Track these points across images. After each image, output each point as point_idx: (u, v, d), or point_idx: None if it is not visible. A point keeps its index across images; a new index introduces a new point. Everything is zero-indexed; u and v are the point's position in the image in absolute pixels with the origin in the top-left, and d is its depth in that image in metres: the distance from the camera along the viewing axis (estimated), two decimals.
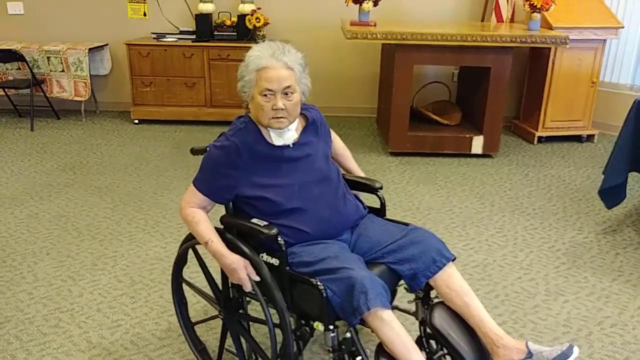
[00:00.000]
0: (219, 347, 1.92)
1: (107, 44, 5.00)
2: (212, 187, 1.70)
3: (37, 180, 3.67)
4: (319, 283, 1.54)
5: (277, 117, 1.66)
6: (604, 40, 4.48)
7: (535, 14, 4.10)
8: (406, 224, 1.82)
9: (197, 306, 2.32)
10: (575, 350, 1.55)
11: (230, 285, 1.79)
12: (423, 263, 1.66)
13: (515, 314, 2.33)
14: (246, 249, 1.65)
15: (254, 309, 2.17)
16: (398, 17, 5.01)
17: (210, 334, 2.16)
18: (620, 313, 2.35)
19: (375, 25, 4.05)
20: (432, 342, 1.77)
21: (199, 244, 1.75)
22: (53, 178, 3.72)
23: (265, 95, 1.64)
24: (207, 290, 1.95)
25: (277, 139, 1.71)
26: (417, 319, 1.85)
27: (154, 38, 4.77)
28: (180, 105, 4.82)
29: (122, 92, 5.19)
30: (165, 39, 4.73)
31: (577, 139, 4.77)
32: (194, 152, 1.95)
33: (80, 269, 2.60)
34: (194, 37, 4.76)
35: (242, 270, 1.63)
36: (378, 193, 1.96)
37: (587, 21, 4.40)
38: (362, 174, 2.06)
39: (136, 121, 4.91)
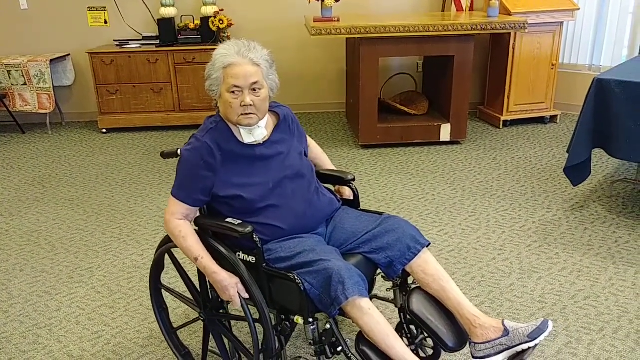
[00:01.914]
0: (203, 349, 1.92)
1: (69, 54, 4.91)
2: (190, 192, 1.69)
3: (5, 197, 3.59)
4: (296, 277, 1.56)
5: (246, 114, 1.67)
6: (561, 23, 4.60)
7: (493, 1, 4.19)
8: (380, 214, 1.85)
9: (178, 311, 2.31)
10: (550, 324, 1.61)
11: (209, 287, 1.79)
12: (398, 251, 1.70)
13: (492, 294, 2.39)
14: (222, 249, 1.66)
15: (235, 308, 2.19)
16: (360, 11, 5.05)
17: (193, 337, 2.16)
18: (592, 286, 2.43)
19: (338, 20, 4.08)
20: (413, 327, 1.82)
21: (175, 247, 1.75)
22: (22, 193, 3.64)
23: (233, 92, 1.65)
24: (187, 294, 1.95)
25: (247, 137, 1.72)
26: (396, 306, 1.89)
27: (117, 45, 4.70)
28: (148, 111, 4.77)
29: (88, 101, 5.11)
30: (128, 46, 4.67)
31: (541, 120, 4.90)
32: (164, 155, 1.93)
33: (56, 283, 2.56)
34: (157, 42, 4.71)
35: (234, 288, 1.64)
36: (351, 185, 1.99)
37: (544, 5, 4.51)
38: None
39: (104, 130, 4.84)
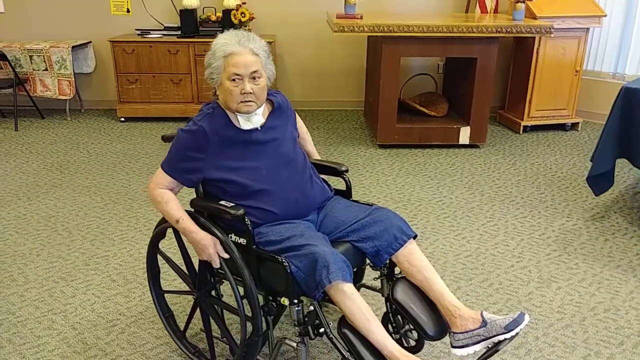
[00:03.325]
0: (186, 321, 2.00)
1: (90, 42, 4.93)
2: (178, 170, 1.76)
3: (23, 181, 3.61)
4: (283, 260, 1.61)
5: (246, 101, 1.72)
6: (587, 29, 4.53)
7: (519, 4, 4.13)
8: (370, 205, 1.90)
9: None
10: (526, 317, 1.64)
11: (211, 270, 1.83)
12: (385, 240, 1.75)
13: (509, 301, 2.36)
14: (215, 230, 1.72)
15: (226, 290, 2.20)
16: (383, 9, 5.01)
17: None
18: (612, 298, 2.39)
19: (361, 17, 4.04)
20: (399, 317, 1.86)
21: (170, 226, 1.81)
22: (40, 178, 3.66)
23: (234, 80, 1.70)
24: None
25: (244, 123, 1.77)
26: (383, 295, 1.94)
27: (138, 34, 4.72)
28: (167, 102, 4.77)
29: (107, 89, 5.13)
30: (149, 35, 4.68)
31: (562, 127, 4.83)
32: (165, 139, 1.99)
33: (72, 269, 2.57)
34: (179, 33, 4.71)
35: (212, 247, 1.70)
36: (344, 176, 2.04)
37: (570, 10, 4.44)
38: (318, 157, 2.13)
39: (122, 119, 4.86)
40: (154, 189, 1.77)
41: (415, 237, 1.79)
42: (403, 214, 3.20)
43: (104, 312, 2.26)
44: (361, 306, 1.59)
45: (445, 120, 4.46)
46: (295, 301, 1.64)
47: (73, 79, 4.72)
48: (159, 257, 2.01)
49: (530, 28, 3.97)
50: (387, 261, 1.80)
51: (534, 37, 4.41)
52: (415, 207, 3.30)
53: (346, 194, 2.03)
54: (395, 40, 3.95)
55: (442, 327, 1.71)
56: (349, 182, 2.04)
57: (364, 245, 1.76)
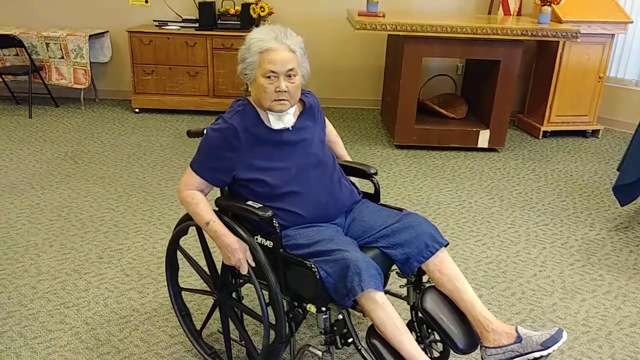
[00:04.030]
0: (204, 321, 1.94)
1: (107, 31, 4.88)
2: (209, 170, 1.70)
3: (37, 169, 3.58)
4: (312, 265, 1.55)
5: (280, 100, 1.66)
6: (613, 35, 4.43)
7: (545, 7, 4.04)
8: (400, 209, 1.83)
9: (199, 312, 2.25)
10: (564, 334, 1.57)
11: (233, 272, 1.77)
12: (416, 248, 1.68)
13: (533, 312, 2.29)
14: (241, 231, 1.66)
15: (247, 292, 2.14)
16: (404, 8, 4.93)
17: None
18: (638, 312, 2.31)
19: (384, 16, 3.97)
20: (424, 326, 1.79)
21: (194, 224, 1.76)
22: (54, 167, 3.62)
23: (269, 77, 1.63)
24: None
25: (275, 123, 1.71)
26: (408, 303, 1.87)
27: (156, 26, 4.67)
28: (182, 94, 4.72)
29: (123, 80, 5.09)
30: (167, 27, 4.63)
31: (582, 134, 4.74)
32: (191, 134, 1.93)
33: (85, 262, 2.52)
34: (197, 25, 4.66)
35: (241, 252, 1.63)
36: (372, 179, 1.97)
37: (596, 15, 4.34)
38: (349, 159, 2.06)
39: (137, 110, 4.81)
40: (184, 190, 1.71)
41: (447, 245, 1.72)
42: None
43: (117, 307, 2.21)
44: (392, 316, 1.53)
45: (464, 123, 4.38)
46: (323, 309, 1.57)
47: (89, 68, 4.68)
48: (178, 254, 1.95)
49: (557, 32, 3.88)
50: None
51: (558, 41, 4.32)
52: (433, 210, 3.23)
53: (374, 197, 1.96)
54: (417, 39, 3.87)
55: (473, 340, 1.64)
56: (378, 185, 1.96)
57: (393, 252, 1.69)
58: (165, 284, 2.32)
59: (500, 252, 2.78)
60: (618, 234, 3.02)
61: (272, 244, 1.63)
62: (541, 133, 4.66)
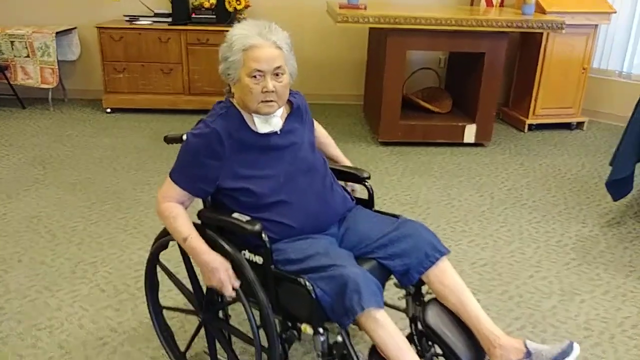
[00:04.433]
0: (189, 341, 1.80)
1: (75, 27, 4.63)
2: (191, 180, 1.55)
3: (2, 176, 3.35)
4: (307, 282, 1.42)
5: (267, 101, 1.52)
6: (596, 26, 4.38)
7: None
8: (396, 216, 1.72)
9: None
10: (576, 347, 1.49)
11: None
12: (416, 258, 1.57)
13: (533, 317, 2.20)
14: (227, 247, 1.51)
15: (235, 307, 2.00)
16: (385, 0, 4.80)
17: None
18: (639, 313, 2.24)
19: (365, 8, 3.84)
20: (424, 339, 1.67)
21: (172, 240, 1.61)
22: (21, 173, 3.40)
23: (255, 76, 1.50)
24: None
25: (262, 126, 1.57)
26: (407, 315, 1.76)
27: (127, 21, 4.44)
28: (156, 92, 4.52)
29: (92, 78, 4.85)
30: (139, 22, 4.41)
31: (567, 126, 4.69)
32: (169, 140, 1.77)
33: (57, 277, 2.34)
34: (170, 20, 4.45)
35: (223, 272, 1.49)
36: (366, 183, 1.84)
37: (580, 6, 4.28)
38: (348, 162, 1.93)
39: (108, 110, 4.59)
40: (161, 202, 1.56)
41: (448, 253, 1.61)
42: (411, 217, 3.01)
43: (93, 327, 2.04)
44: (395, 336, 1.41)
45: (450, 118, 4.28)
46: (320, 330, 1.45)
47: (57, 67, 4.44)
48: (158, 269, 1.80)
49: (542, 23, 3.80)
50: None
51: (542, 33, 4.25)
52: (423, 210, 3.13)
53: (368, 203, 1.83)
54: (401, 32, 3.75)
55: (479, 355, 1.54)
56: (372, 189, 1.84)
57: (391, 262, 1.58)
58: (144, 299, 2.18)
59: (495, 252, 2.69)
60: (611, 229, 2.96)
61: (261, 259, 1.49)
62: (526, 126, 4.60)
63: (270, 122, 1.57)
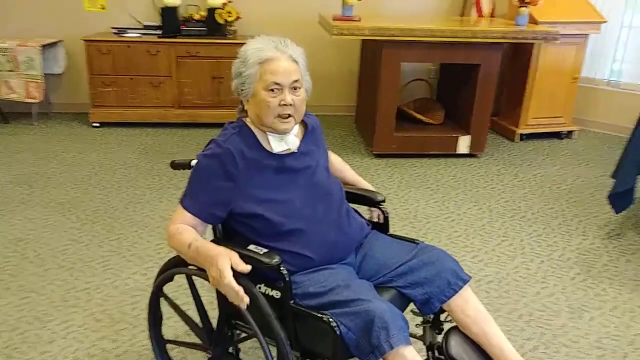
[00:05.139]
0: None
1: (61, 40, 4.51)
2: (203, 205, 1.45)
3: None
4: (331, 319, 1.34)
5: (284, 116, 1.45)
6: (586, 35, 4.41)
7: (523, 8, 3.96)
8: (414, 241, 1.65)
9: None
10: None
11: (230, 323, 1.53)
12: (437, 287, 1.51)
13: (544, 336, 2.15)
14: (241, 281, 1.38)
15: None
16: (375, 11, 4.77)
17: None
18: None
19: (360, 20, 3.80)
20: None
21: (180, 272, 1.51)
22: (5, 193, 3.27)
23: (272, 90, 1.44)
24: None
25: (277, 145, 1.50)
26: (424, 343, 1.69)
27: (115, 33, 4.34)
28: (146, 106, 4.42)
29: (79, 92, 4.73)
30: (127, 35, 4.31)
31: (557, 135, 4.70)
32: (175, 166, 1.69)
33: (48, 306, 2.23)
34: (159, 32, 4.36)
35: (223, 257, 1.30)
36: (380, 206, 1.77)
37: (570, 16, 4.30)
38: (369, 185, 1.85)
39: (96, 124, 4.47)
40: (170, 226, 1.45)
41: (469, 280, 1.55)
42: (412, 232, 2.97)
43: None
44: None
45: (443, 129, 4.26)
46: None
47: (43, 81, 4.31)
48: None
49: (537, 34, 3.80)
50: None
51: (533, 43, 4.26)
52: (423, 225, 3.08)
53: (383, 227, 1.76)
54: (396, 44, 3.71)
55: None
56: (387, 213, 1.77)
57: (412, 292, 1.51)
58: (143, 328, 2.09)
59: (499, 268, 2.64)
60: (612, 242, 2.94)
61: (279, 294, 1.40)
62: (517, 136, 4.60)
63: (287, 141, 1.50)
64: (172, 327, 2.10)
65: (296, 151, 1.53)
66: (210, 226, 1.53)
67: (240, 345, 1.84)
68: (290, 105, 1.45)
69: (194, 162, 1.53)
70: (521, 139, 4.62)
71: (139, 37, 4.29)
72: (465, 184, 3.67)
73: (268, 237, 1.47)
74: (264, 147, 1.50)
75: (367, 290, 1.42)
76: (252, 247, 1.42)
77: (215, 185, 1.44)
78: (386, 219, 1.78)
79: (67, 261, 2.56)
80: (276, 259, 1.37)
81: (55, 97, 4.78)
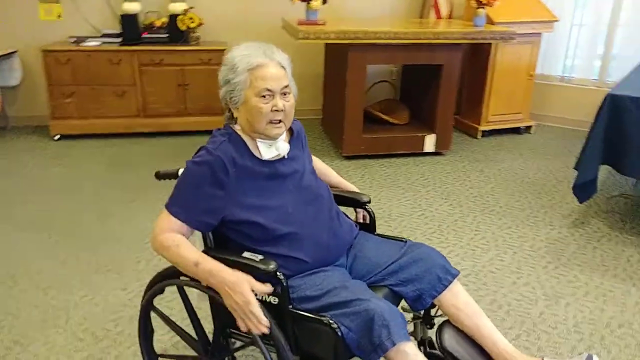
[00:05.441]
0: None
1: (16, 51, 4.34)
2: (193, 212, 1.44)
3: None
4: (331, 321, 1.36)
5: (276, 121, 1.47)
6: (540, 34, 4.60)
7: (480, 9, 4.10)
8: (402, 240, 1.70)
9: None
10: (595, 359, 1.52)
11: (225, 332, 1.53)
12: (428, 283, 1.56)
13: (524, 325, 2.24)
14: None
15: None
16: (336, 15, 4.81)
17: None
18: (622, 311, 2.34)
19: (325, 24, 3.84)
20: None
21: (170, 285, 1.51)
22: None
23: (264, 96, 1.45)
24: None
25: (267, 152, 1.51)
26: (416, 339, 1.75)
27: (73, 42, 4.22)
28: (109, 116, 4.31)
29: (37, 104, 4.56)
30: (86, 43, 4.19)
31: (516, 130, 4.88)
32: (160, 176, 1.67)
33: (26, 328, 2.15)
34: (120, 40, 4.27)
35: (245, 284, 1.32)
36: (366, 207, 1.82)
37: (525, 15, 4.48)
38: (353, 187, 1.89)
39: (57, 137, 4.33)
40: (159, 235, 1.42)
41: (458, 274, 1.60)
42: (387, 232, 3.02)
43: None
44: None
45: (410, 129, 4.35)
46: None
47: None
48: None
49: (495, 34, 3.94)
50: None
51: (490, 43, 4.41)
52: (398, 223, 3.14)
53: (370, 227, 1.80)
54: (362, 47, 3.77)
55: None
56: (373, 214, 1.81)
57: (404, 289, 1.55)
58: (129, 344, 2.05)
59: (474, 262, 2.73)
60: (578, 230, 3.08)
61: (276, 299, 1.41)
62: (479, 133, 4.75)
63: (277, 147, 1.51)
64: (159, 340, 2.07)
65: (285, 157, 1.54)
66: (200, 234, 1.52)
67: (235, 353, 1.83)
68: (282, 110, 1.46)
69: (181, 171, 1.52)
70: (483, 136, 4.77)
71: (99, 45, 4.18)
72: (435, 182, 3.76)
73: (262, 243, 1.48)
74: (253, 154, 1.50)
75: (364, 290, 1.45)
76: (247, 254, 1.42)
77: (205, 192, 1.43)
78: (372, 219, 1.82)
79: (42, 281, 2.47)
80: (273, 265, 1.37)
81: (11, 110, 4.60)
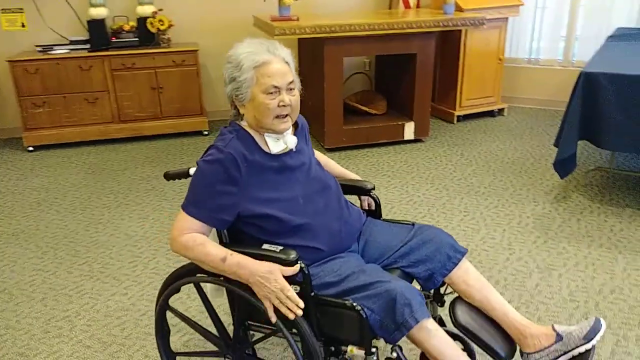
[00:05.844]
0: None
1: None
2: (210, 211, 1.45)
3: None
4: (355, 304, 1.39)
5: (282, 116, 1.48)
6: (506, 19, 4.72)
7: None
8: (409, 223, 1.74)
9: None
10: (603, 323, 1.57)
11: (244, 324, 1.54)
12: (438, 262, 1.60)
13: (522, 297, 2.31)
14: None
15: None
16: (305, 10, 4.82)
17: None
18: (611, 278, 2.44)
19: (298, 19, 3.84)
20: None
21: (185, 283, 1.51)
22: None
23: (271, 92, 1.46)
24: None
25: (275, 146, 1.52)
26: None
27: (40, 51, 4.11)
28: (83, 124, 4.22)
29: (6, 116, 4.43)
30: (54, 51, 4.09)
31: (490, 114, 5.00)
32: (170, 177, 1.66)
33: (29, 340, 2.10)
34: (88, 46, 4.17)
35: (278, 271, 1.36)
36: (372, 194, 1.85)
37: (491, 1, 4.59)
38: (355, 176, 1.92)
39: (30, 148, 4.21)
40: (179, 236, 1.43)
41: (466, 252, 1.65)
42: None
43: None
44: (449, 342, 1.42)
45: (388, 118, 4.40)
46: (373, 349, 1.41)
47: None
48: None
49: (465, 21, 4.02)
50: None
51: (460, 30, 4.50)
52: (389, 210, 3.18)
53: (376, 213, 1.83)
54: (338, 40, 3.80)
55: (512, 346, 1.59)
56: (378, 200, 1.84)
57: (415, 270, 1.59)
58: (139, 347, 2.03)
59: (468, 241, 2.79)
60: (560, 205, 3.19)
61: (297, 288, 1.42)
62: (455, 118, 4.85)
63: (286, 140, 1.52)
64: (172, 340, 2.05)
65: (293, 150, 1.55)
66: (214, 231, 1.52)
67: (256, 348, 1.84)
68: (289, 105, 1.48)
69: (192, 170, 1.52)
70: (458, 121, 4.87)
71: (68, 53, 4.08)
72: (418, 168, 3.82)
73: (277, 235, 1.49)
74: (262, 149, 1.52)
75: (381, 272, 1.48)
76: (266, 246, 1.44)
77: (219, 190, 1.44)
78: (378, 205, 1.84)
79: (37, 292, 2.41)
80: (293, 255, 1.39)
81: None
